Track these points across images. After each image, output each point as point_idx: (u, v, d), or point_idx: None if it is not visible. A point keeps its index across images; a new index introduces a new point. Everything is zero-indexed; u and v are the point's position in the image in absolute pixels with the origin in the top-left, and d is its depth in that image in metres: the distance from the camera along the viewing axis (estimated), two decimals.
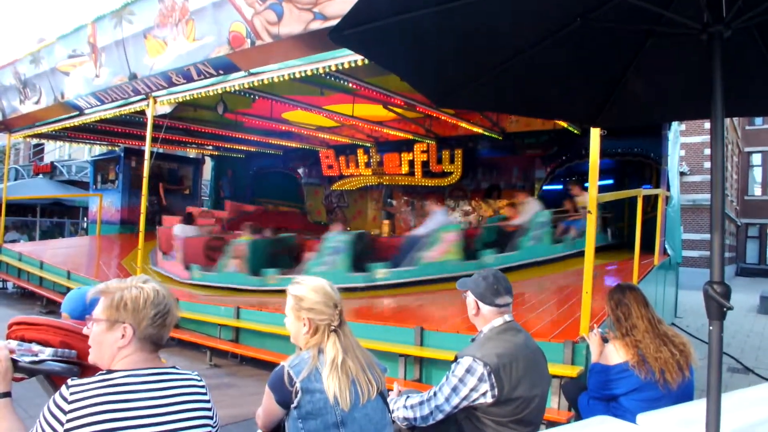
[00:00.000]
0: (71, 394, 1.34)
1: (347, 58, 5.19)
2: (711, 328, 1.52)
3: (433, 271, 6.68)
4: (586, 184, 4.87)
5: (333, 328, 1.84)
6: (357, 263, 6.99)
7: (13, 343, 1.76)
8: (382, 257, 7.26)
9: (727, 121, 16.24)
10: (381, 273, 6.75)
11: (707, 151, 19.03)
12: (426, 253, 6.81)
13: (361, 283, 6.68)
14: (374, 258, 7.28)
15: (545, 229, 7.19)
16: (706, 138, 19.02)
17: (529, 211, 7.44)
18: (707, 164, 19.05)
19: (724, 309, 1.49)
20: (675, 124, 8.07)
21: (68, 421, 1.31)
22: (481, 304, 2.24)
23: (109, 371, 1.44)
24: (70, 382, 1.37)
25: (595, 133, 3.81)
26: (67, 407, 1.32)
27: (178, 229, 8.98)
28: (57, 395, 1.35)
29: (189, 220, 9.46)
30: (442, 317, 5.11)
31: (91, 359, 1.53)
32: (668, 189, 7.54)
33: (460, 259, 6.78)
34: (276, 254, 8.29)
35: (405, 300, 6.19)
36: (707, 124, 17.10)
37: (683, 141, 17.45)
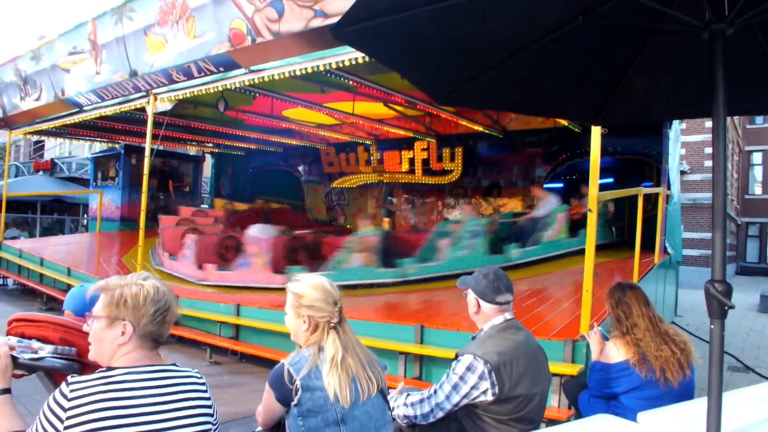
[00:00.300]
0: (71, 391, 1.34)
1: (348, 55, 5.18)
2: (712, 326, 1.51)
3: (552, 249, 7.31)
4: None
5: (333, 325, 1.84)
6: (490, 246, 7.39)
7: (13, 340, 1.76)
8: (515, 239, 7.71)
9: (728, 119, 16.19)
10: (515, 253, 7.20)
11: (708, 150, 19.01)
12: (547, 233, 7.44)
13: (502, 263, 6.85)
14: (505, 240, 7.76)
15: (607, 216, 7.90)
16: (707, 137, 18.97)
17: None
18: (708, 163, 19.04)
19: (726, 307, 1.48)
20: (676, 123, 8.08)
21: (68, 418, 1.31)
22: (481, 302, 2.25)
23: (109, 368, 1.44)
24: (70, 379, 1.37)
25: (595, 132, 3.80)
26: (67, 404, 1.32)
27: (256, 230, 8.10)
28: (57, 392, 1.35)
29: (266, 218, 8.40)
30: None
31: (91, 356, 1.53)
32: (669, 187, 7.53)
33: (567, 237, 7.37)
34: (390, 246, 8.12)
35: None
36: (708, 123, 17.09)
37: (684, 140, 17.39)
